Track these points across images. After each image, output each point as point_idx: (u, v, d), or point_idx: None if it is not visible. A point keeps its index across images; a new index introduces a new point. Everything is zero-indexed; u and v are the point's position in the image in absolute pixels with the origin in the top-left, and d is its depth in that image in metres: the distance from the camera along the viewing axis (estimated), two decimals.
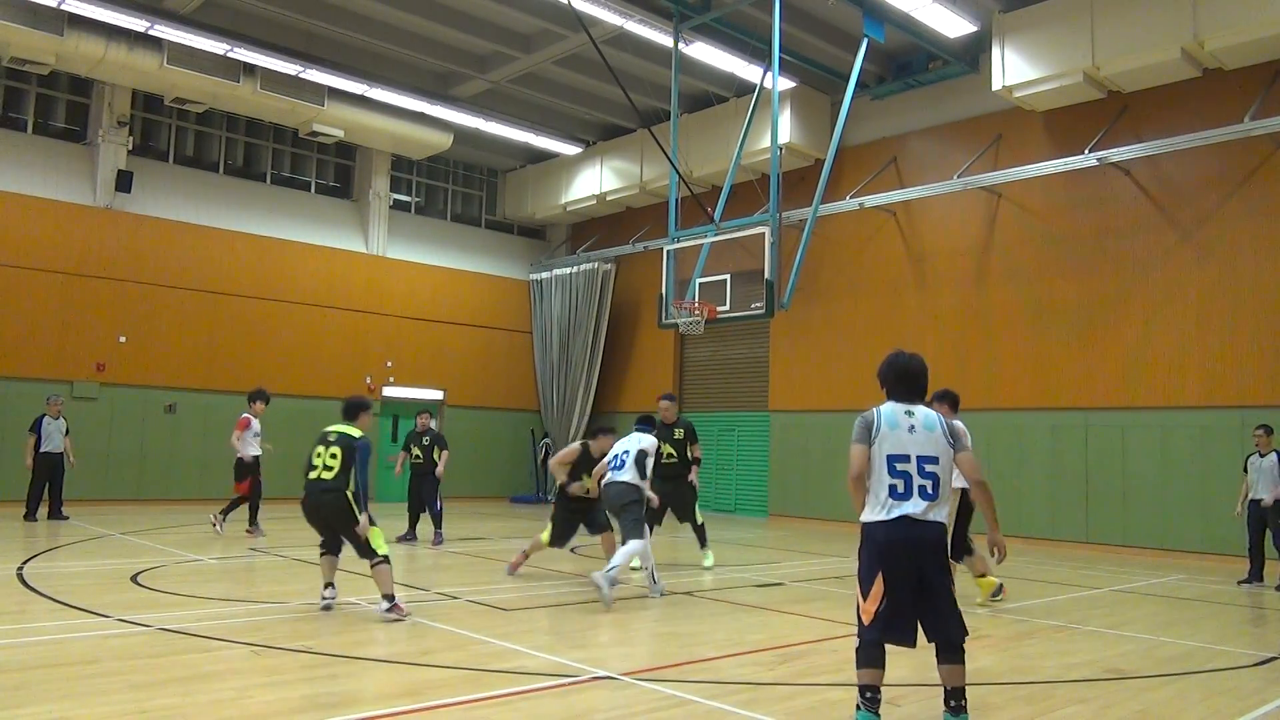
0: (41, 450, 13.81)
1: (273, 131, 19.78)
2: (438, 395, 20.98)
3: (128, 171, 17.16)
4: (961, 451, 4.63)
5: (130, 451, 16.94)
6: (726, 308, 14.55)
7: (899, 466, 4.46)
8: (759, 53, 15.12)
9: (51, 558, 9.92)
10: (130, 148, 17.49)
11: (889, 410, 4.62)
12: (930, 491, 4.45)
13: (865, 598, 4.43)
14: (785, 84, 16.06)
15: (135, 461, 16.98)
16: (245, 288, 18.58)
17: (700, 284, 15.12)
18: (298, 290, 19.28)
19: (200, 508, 14.86)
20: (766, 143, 16.10)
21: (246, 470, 12.61)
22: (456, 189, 23.13)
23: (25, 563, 9.34)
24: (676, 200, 15.74)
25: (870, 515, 4.51)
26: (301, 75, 16.73)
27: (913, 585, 4.37)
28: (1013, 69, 14.36)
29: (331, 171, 21.03)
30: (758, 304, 14.08)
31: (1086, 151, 14.18)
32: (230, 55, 15.95)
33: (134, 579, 8.57)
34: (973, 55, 15.79)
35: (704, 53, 15.34)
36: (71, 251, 16.67)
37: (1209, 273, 13.53)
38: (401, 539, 12.17)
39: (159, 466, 17.17)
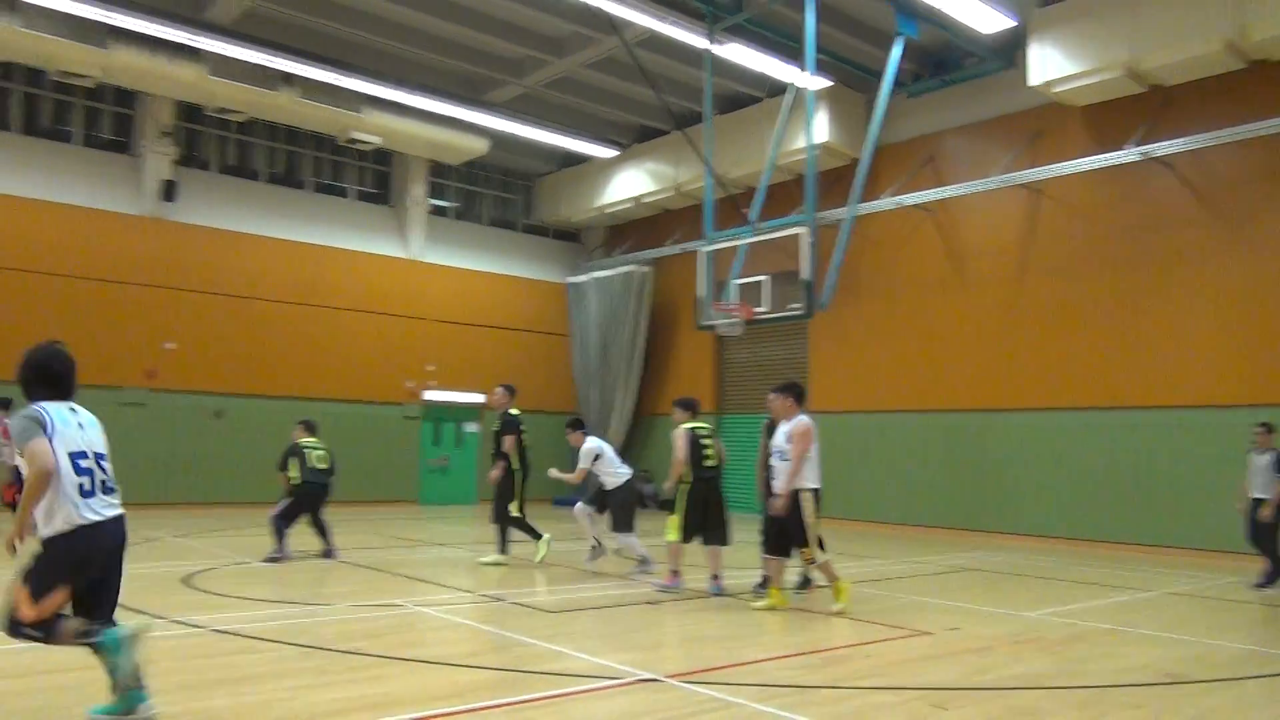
0: None
1: (313, 140, 20.05)
2: (479, 399, 21.13)
3: (173, 181, 17.49)
4: None
5: (179, 456, 17.23)
6: (764, 309, 14.51)
7: None
8: (792, 52, 15.06)
9: None
10: (175, 158, 17.82)
11: None
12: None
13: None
14: (820, 83, 15.98)
15: (184, 466, 17.27)
16: (288, 294, 18.85)
17: (738, 285, 15.09)
18: (339, 296, 19.52)
19: (248, 512, 15.10)
20: (801, 142, 16.04)
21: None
22: (493, 194, 23.30)
23: None
24: (712, 202, 15.75)
25: None
26: (339, 83, 16.94)
27: None
28: (1051, 64, 14.18)
29: (370, 178, 21.27)
30: (796, 305, 14.03)
31: (1129, 146, 13.96)
32: (270, 65, 16.19)
33: (186, 581, 8.72)
34: (1009, 51, 15.61)
35: (737, 53, 15.33)
36: (119, 260, 17.01)
37: (1255, 267, 13.26)
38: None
39: (208, 470, 17.45)
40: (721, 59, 15.57)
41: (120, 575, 4.55)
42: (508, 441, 10.65)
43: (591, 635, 6.91)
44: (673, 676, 5.52)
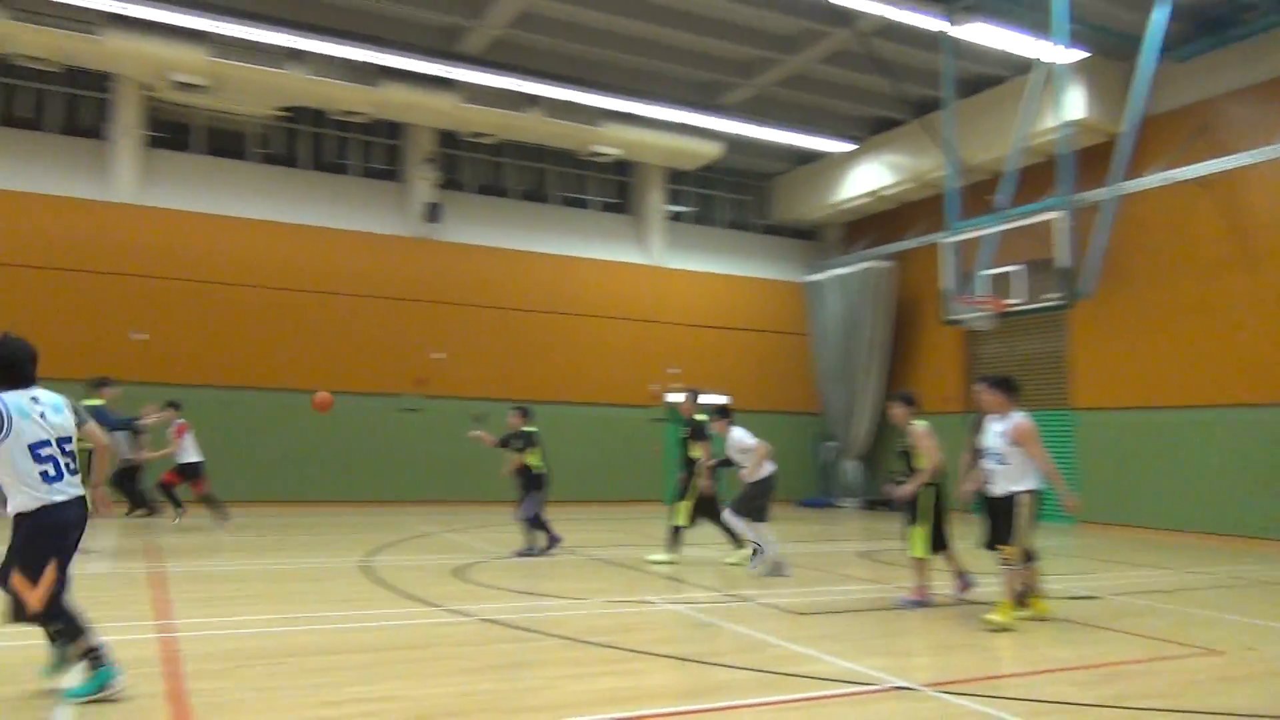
0: None
1: (557, 156, 21.05)
2: (723, 400, 21.34)
3: (436, 203, 18.96)
4: None
5: (449, 457, 18.58)
6: (1018, 300, 13.71)
7: None
8: (1039, 25, 14.13)
9: (387, 552, 11.11)
10: (437, 182, 19.30)
11: None
12: None
13: None
14: (1072, 55, 14.88)
15: (453, 466, 18.62)
16: (539, 304, 19.92)
17: (987, 277, 14.35)
18: (585, 304, 20.40)
19: (509, 508, 16.02)
20: (1053, 121, 15.00)
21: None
22: (729, 196, 23.48)
23: (370, 555, 10.52)
24: (955, 190, 15.06)
25: None
26: (580, 101, 17.70)
27: None
28: None
29: (611, 189, 22.06)
30: (1053, 295, 13.16)
31: None
32: (517, 89, 17.20)
33: (457, 573, 9.41)
34: None
35: (978, 32, 14.57)
36: (393, 279, 18.65)
37: None
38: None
39: (474, 470, 18.71)
40: (960, 40, 14.87)
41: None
42: (697, 447, 10.74)
43: (840, 639, 6.80)
44: (929, 685, 5.33)
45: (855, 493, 21.28)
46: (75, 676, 4.67)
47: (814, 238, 24.08)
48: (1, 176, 16.08)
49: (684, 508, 10.60)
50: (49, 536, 4.54)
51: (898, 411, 8.22)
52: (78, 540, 4.72)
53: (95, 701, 4.50)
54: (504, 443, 11.40)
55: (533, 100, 17.68)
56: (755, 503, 9.89)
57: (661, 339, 21.11)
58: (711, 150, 19.86)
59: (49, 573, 4.48)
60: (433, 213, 18.91)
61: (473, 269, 19.42)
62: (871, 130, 20.36)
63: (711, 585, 9.14)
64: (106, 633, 6.04)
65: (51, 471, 4.55)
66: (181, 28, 15.02)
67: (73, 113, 17.37)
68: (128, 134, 16.94)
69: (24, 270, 15.85)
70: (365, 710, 4.62)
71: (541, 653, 6.07)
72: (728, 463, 10.48)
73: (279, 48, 15.62)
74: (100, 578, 8.60)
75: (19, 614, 4.52)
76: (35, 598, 4.45)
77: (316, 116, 18.58)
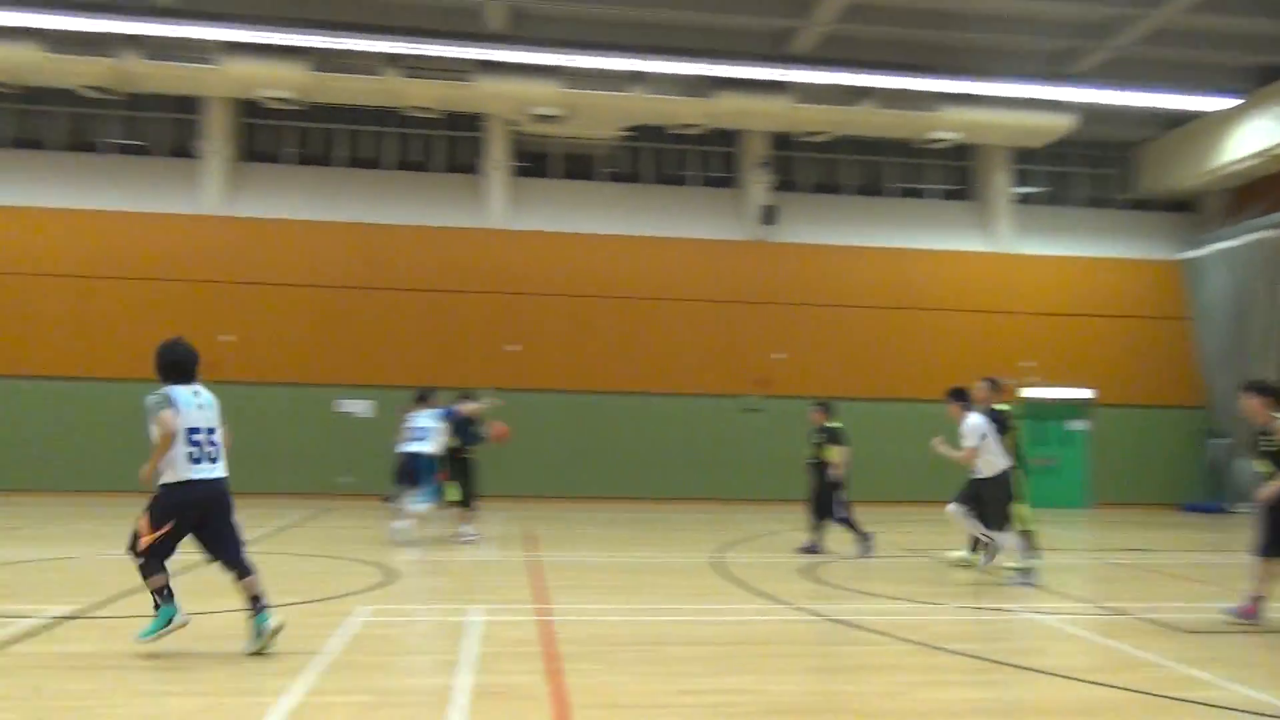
0: None
1: (893, 146, 20.48)
2: (1087, 394, 19.67)
3: (771, 206, 19.23)
4: None
5: (789, 456, 18.68)
6: None
7: None
8: None
9: (737, 549, 11.43)
10: (772, 184, 19.56)
11: None
12: None
13: None
14: None
15: (794, 465, 18.70)
16: (877, 299, 19.50)
17: None
18: (925, 297, 19.65)
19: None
20: None
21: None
22: (1086, 171, 21.52)
23: (719, 551, 10.90)
24: None
25: None
26: (915, 87, 17.10)
27: None
28: None
29: (951, 175, 21.08)
30: None
31: None
32: (849, 83, 17.00)
33: (805, 571, 9.48)
34: None
35: None
36: (731, 282, 19.18)
37: None
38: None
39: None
40: None
41: (229, 526, 5.64)
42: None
43: (1247, 663, 5.99)
44: None
45: (1251, 495, 18.60)
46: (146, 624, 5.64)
47: (1191, 209, 21.39)
48: (401, 213, 18.59)
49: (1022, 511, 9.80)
50: (174, 505, 5.48)
51: (1253, 403, 7.11)
52: (211, 513, 5.60)
53: (163, 636, 5.41)
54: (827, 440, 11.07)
55: (865, 93, 17.36)
56: (1002, 506, 9.02)
57: (1010, 330, 19.79)
58: (1063, 123, 18.31)
59: (164, 529, 5.45)
60: (768, 215, 19.18)
61: (809, 268, 19.45)
62: (1259, 81, 17.69)
63: (1083, 595, 8.44)
64: (492, 614, 6.76)
65: (196, 455, 5.48)
66: (538, 65, 16.52)
67: (453, 153, 19.70)
68: (498, 166, 18.92)
69: (421, 295, 18.23)
70: (720, 701, 4.80)
71: (895, 657, 5.95)
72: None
73: (622, 72, 16.67)
74: (487, 564, 9.68)
75: (132, 545, 5.53)
76: (144, 541, 5.47)
77: (656, 133, 19.56)
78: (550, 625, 6.53)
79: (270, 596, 5.64)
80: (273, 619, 5.50)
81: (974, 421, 9.12)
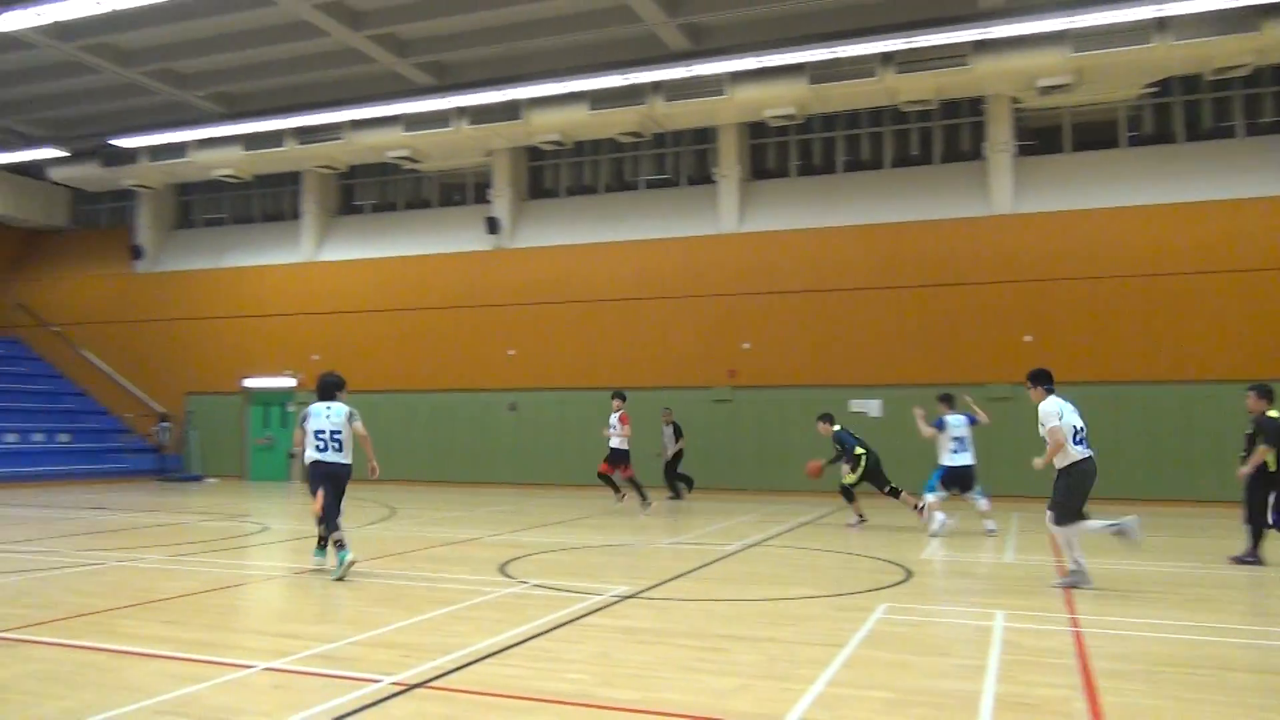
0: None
1: None
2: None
3: None
4: None
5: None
6: None
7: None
8: None
9: None
10: None
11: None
12: None
13: None
14: None
15: None
16: None
17: None
18: None
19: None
20: None
21: None
22: None
23: None
24: None
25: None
26: None
27: None
28: None
29: None
30: None
31: None
32: None
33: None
34: None
35: None
36: None
37: None
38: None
39: None
40: None
41: (340, 494, 8.66)
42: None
43: None
44: None
45: None
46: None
47: None
48: (902, 210, 18.53)
49: None
50: (313, 478, 8.66)
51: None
52: (332, 484, 8.58)
53: (340, 579, 8.20)
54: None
55: None
56: (1076, 498, 7.88)
57: None
58: None
59: (319, 496, 8.49)
60: None
61: None
62: None
63: None
64: (1016, 619, 6.44)
65: (321, 446, 8.60)
66: (1041, 34, 15.39)
67: (951, 142, 19.14)
68: (1002, 148, 17.97)
69: (926, 290, 17.98)
70: None
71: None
72: None
73: (1140, 22, 14.87)
74: (1010, 566, 9.21)
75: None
76: (314, 507, 8.52)
77: (1188, 83, 17.11)
78: (1081, 636, 6.03)
79: (797, 588, 5.96)
80: (350, 555, 8.27)
81: (1050, 406, 7.93)
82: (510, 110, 18.77)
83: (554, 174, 22.27)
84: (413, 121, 19.55)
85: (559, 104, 18.41)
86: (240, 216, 25.31)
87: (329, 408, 8.67)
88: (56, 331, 25.64)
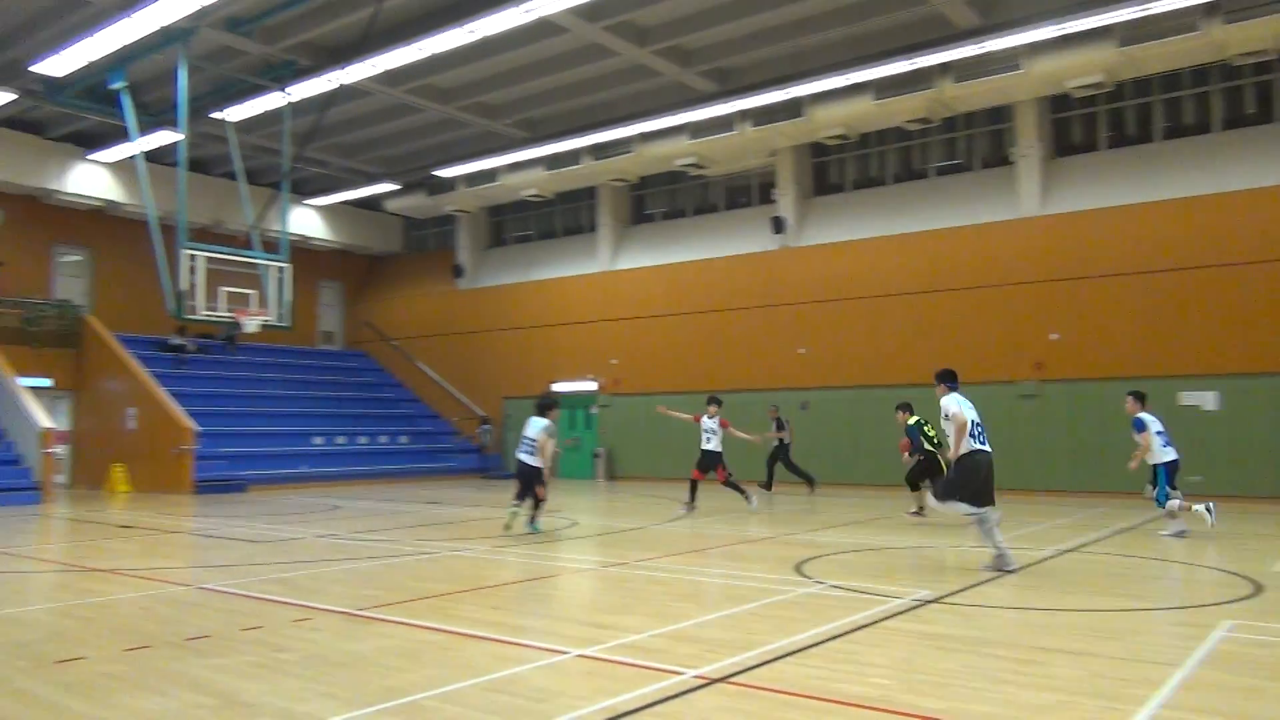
0: None
1: None
2: None
3: None
4: None
5: None
6: None
7: None
8: None
9: None
10: None
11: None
12: None
13: None
14: None
15: None
16: None
17: None
18: None
19: None
20: None
21: None
22: None
23: None
24: None
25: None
26: None
27: None
28: None
29: None
30: None
31: None
32: None
33: None
34: None
35: None
36: None
37: None
38: None
39: None
40: None
41: (530, 489, 11.24)
42: None
43: None
44: None
45: None
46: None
47: None
48: (1239, 177, 16.42)
49: None
50: (517, 473, 11.13)
51: None
52: (524, 478, 11.10)
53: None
54: None
55: None
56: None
57: None
58: None
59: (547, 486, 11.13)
60: None
61: None
62: None
63: None
64: None
65: (519, 450, 10.48)
66: None
67: None
68: None
69: (1271, 266, 15.82)
70: None
71: None
72: None
73: None
74: None
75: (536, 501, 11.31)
76: (540, 490, 10.85)
77: None
78: None
79: (1121, 599, 5.47)
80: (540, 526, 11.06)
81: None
82: (793, 108, 18.72)
83: (839, 168, 21.94)
84: (698, 129, 20.04)
85: (842, 97, 18.10)
86: (544, 232, 27.20)
87: (532, 421, 11.29)
88: (395, 345, 28.85)
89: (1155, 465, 11.11)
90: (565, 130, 21.06)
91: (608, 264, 24.70)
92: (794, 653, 5.48)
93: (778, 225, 21.43)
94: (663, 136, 20.67)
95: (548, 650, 5.62)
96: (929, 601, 7.09)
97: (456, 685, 4.83)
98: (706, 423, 14.51)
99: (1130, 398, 11.52)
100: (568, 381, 24.57)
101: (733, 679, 4.93)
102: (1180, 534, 11.05)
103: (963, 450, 8.38)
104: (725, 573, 8.71)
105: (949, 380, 9.07)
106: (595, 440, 24.18)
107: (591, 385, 24.26)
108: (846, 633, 6.02)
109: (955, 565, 9.19)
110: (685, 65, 17.97)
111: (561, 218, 26.79)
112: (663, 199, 24.91)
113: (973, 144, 20.09)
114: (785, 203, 21.68)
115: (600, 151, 21.61)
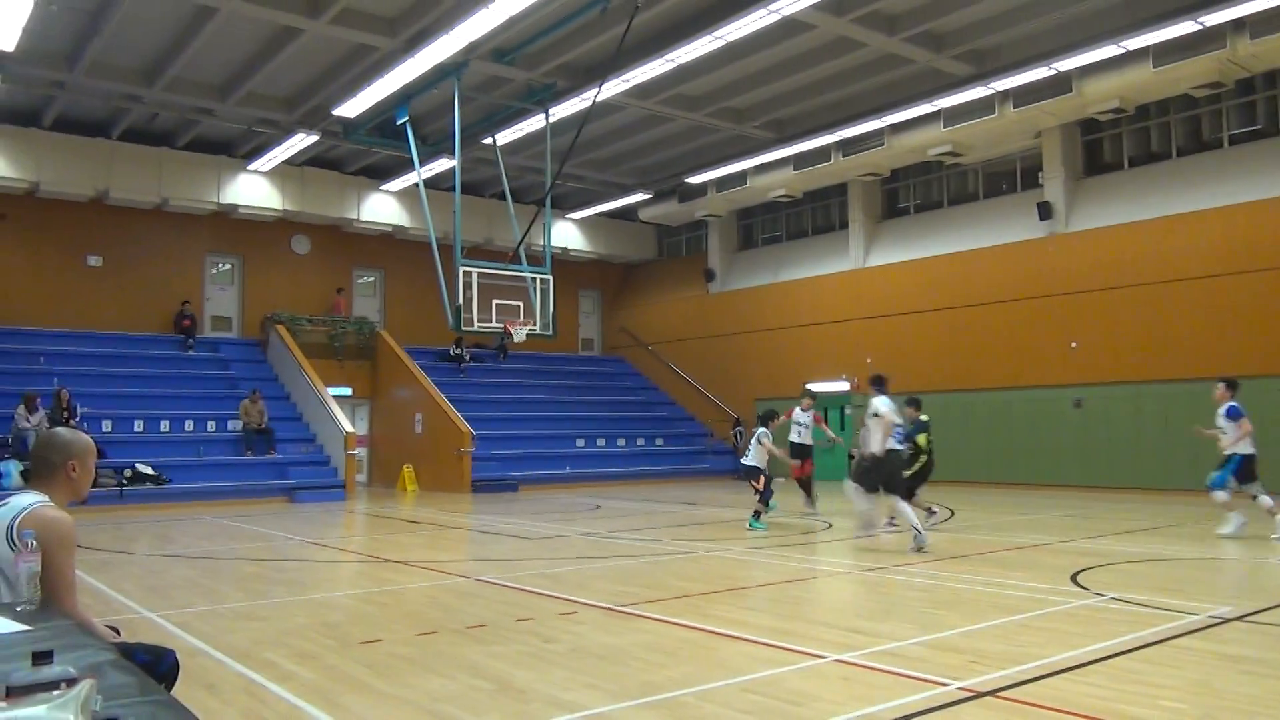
0: None
1: None
2: None
3: None
4: None
5: None
6: None
7: None
8: None
9: None
10: None
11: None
12: None
13: None
14: None
15: None
16: None
17: None
18: None
19: None
20: None
21: None
22: None
23: None
24: None
25: None
26: None
27: None
28: None
29: None
30: None
31: None
32: None
33: None
34: None
35: None
36: None
37: None
38: None
39: None
40: None
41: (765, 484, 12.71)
42: None
43: None
44: None
45: None
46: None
47: None
48: None
49: None
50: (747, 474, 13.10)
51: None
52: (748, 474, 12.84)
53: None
54: None
55: None
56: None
57: None
58: None
59: (762, 479, 12.46)
60: None
61: None
62: None
63: None
64: None
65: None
66: None
67: None
68: None
69: None
70: None
71: None
72: None
73: None
74: None
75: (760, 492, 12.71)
76: (756, 484, 12.42)
77: None
78: None
79: None
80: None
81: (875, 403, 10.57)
82: (1059, 84, 17.42)
83: (1114, 145, 20.19)
84: (952, 115, 19.13)
85: (1115, 67, 16.63)
86: (794, 232, 27.01)
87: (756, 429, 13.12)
88: (650, 349, 29.72)
89: (1232, 454, 10.45)
90: (813, 128, 20.81)
91: (860, 261, 24.14)
92: (1072, 669, 5.12)
93: (1044, 211, 20.05)
94: (915, 126, 19.93)
95: (804, 654, 5.59)
96: (1229, 619, 6.38)
97: (713, 684, 4.92)
98: (799, 415, 14.57)
99: (1221, 385, 10.83)
100: (822, 382, 24.26)
101: (1002, 693, 4.68)
102: (1240, 526, 10.50)
103: (886, 448, 10.51)
104: (991, 580, 8.26)
105: (879, 385, 11.03)
106: (849, 441, 23.71)
107: (844, 386, 23.79)
108: (1132, 649, 5.54)
109: (1259, 579, 8.21)
110: (938, 50, 17.23)
111: (811, 217, 26.49)
112: (917, 191, 24.02)
113: (1277, 107, 17.84)
114: (1052, 186, 20.24)
115: (849, 147, 21.18)
